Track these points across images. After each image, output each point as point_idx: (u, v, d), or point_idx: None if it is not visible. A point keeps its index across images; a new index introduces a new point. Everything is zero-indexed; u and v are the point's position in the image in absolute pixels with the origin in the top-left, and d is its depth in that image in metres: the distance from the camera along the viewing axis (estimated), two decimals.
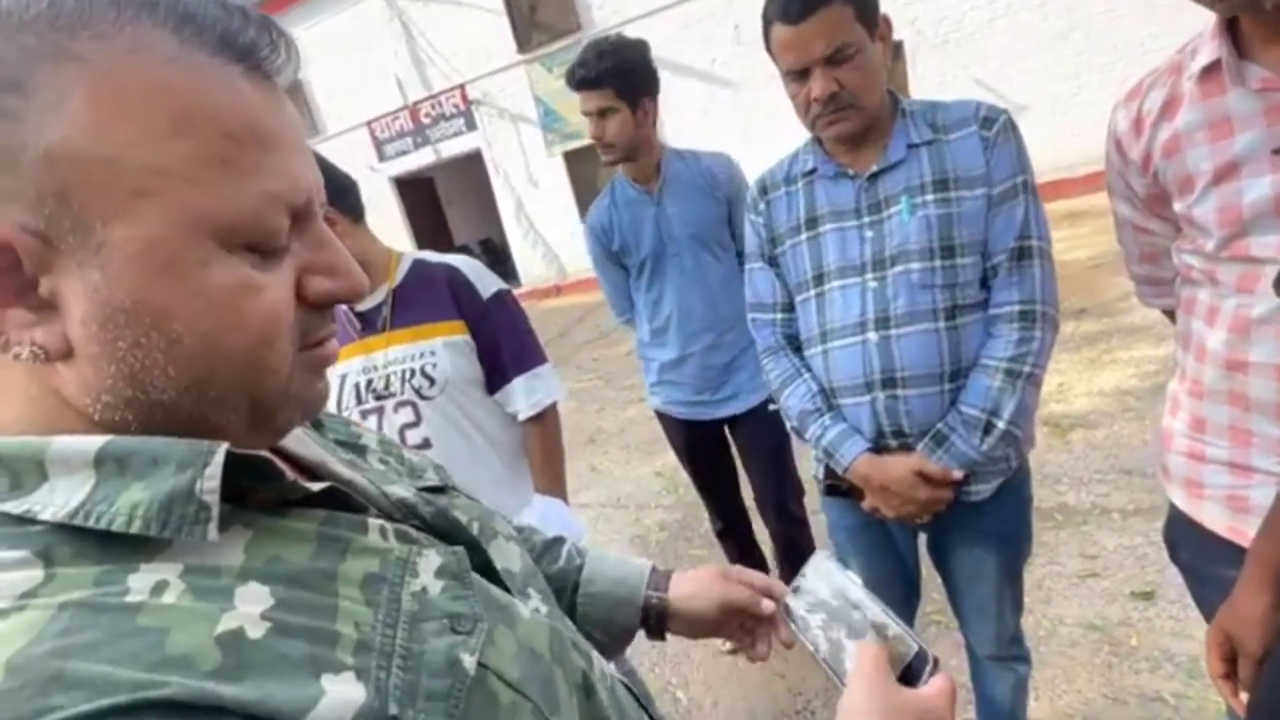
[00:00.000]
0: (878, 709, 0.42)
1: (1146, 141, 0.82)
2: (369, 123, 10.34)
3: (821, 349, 1.09)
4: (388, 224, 10.73)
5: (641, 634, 0.63)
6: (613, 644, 0.64)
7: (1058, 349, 1.09)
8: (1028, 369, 0.98)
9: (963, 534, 1.14)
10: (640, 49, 1.53)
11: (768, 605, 0.59)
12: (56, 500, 0.29)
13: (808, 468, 1.90)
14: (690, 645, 1.99)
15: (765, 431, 1.76)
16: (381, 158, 10.55)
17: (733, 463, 1.91)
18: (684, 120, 7.88)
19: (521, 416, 1.23)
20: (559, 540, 0.68)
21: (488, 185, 10.20)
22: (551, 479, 1.27)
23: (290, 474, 0.36)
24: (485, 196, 10.49)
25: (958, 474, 1.01)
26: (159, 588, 0.29)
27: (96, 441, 0.31)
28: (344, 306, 1.09)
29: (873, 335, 1.02)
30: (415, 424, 1.17)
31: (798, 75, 0.97)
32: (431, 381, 1.16)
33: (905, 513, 1.05)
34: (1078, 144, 6.76)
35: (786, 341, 1.15)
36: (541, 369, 1.23)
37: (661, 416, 1.86)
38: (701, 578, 0.63)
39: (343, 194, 1.11)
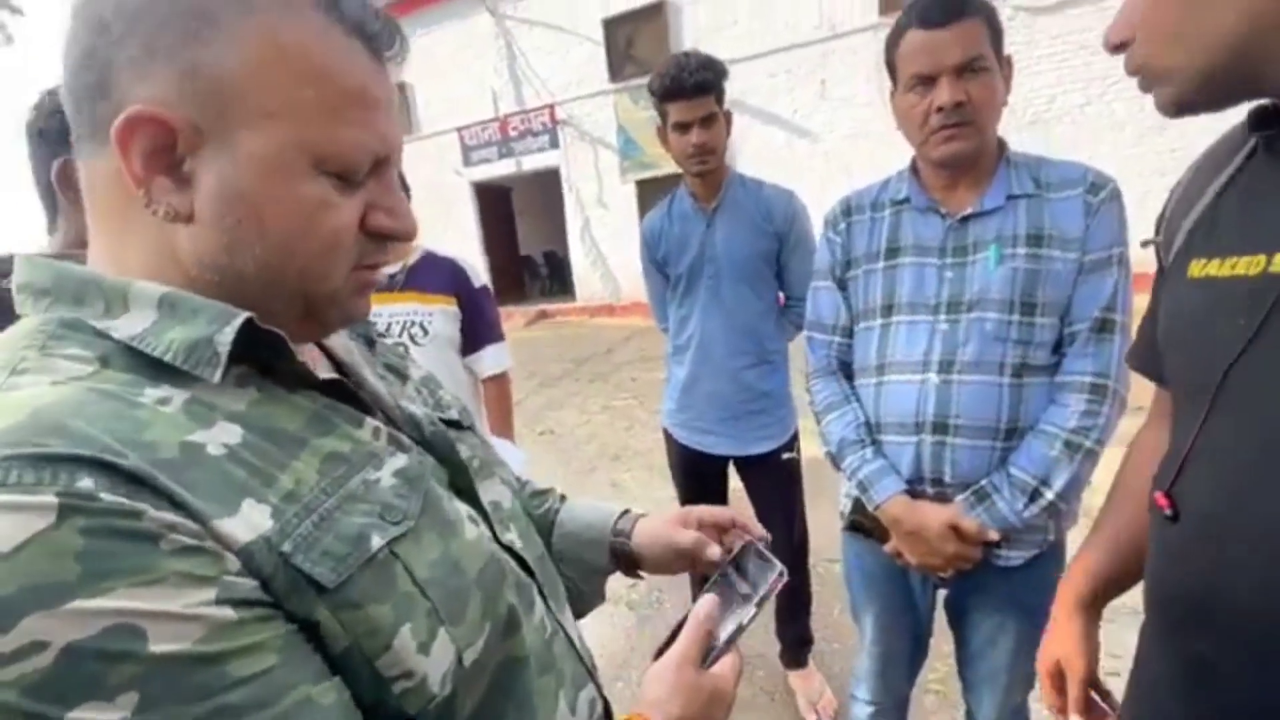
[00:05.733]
0: (680, 684, 0.49)
1: None
2: (460, 129, 10.87)
3: (876, 381, 1.08)
4: (463, 224, 11.20)
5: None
6: (586, 584, 0.69)
7: (1114, 445, 1.05)
8: (1089, 444, 0.95)
9: (985, 597, 1.11)
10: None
11: (713, 552, 0.65)
12: (127, 326, 0.38)
13: (821, 516, 1.85)
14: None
15: (775, 481, 1.72)
16: (467, 162, 11.05)
17: (724, 501, 1.85)
18: (761, 162, 8.00)
19: (484, 375, 1.69)
20: (548, 491, 0.75)
21: (560, 202, 10.52)
22: (504, 425, 1.73)
23: (303, 358, 0.42)
24: (556, 212, 10.81)
25: (993, 535, 0.99)
26: (164, 400, 0.37)
27: (161, 289, 0.39)
28: None
29: (934, 377, 1.01)
30: None
31: (923, 83, 0.96)
32: (426, 333, 1.57)
33: (929, 563, 1.04)
34: None
35: (840, 367, 1.15)
36: (503, 344, 1.70)
37: (666, 434, 1.85)
38: (655, 526, 0.68)
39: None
